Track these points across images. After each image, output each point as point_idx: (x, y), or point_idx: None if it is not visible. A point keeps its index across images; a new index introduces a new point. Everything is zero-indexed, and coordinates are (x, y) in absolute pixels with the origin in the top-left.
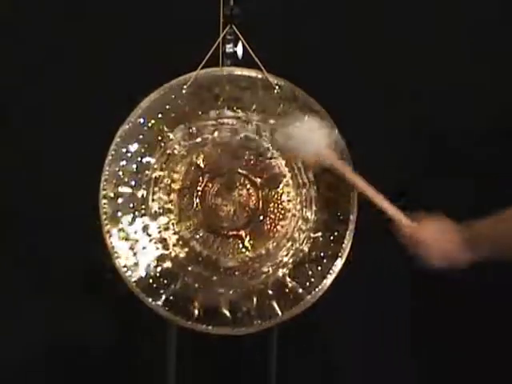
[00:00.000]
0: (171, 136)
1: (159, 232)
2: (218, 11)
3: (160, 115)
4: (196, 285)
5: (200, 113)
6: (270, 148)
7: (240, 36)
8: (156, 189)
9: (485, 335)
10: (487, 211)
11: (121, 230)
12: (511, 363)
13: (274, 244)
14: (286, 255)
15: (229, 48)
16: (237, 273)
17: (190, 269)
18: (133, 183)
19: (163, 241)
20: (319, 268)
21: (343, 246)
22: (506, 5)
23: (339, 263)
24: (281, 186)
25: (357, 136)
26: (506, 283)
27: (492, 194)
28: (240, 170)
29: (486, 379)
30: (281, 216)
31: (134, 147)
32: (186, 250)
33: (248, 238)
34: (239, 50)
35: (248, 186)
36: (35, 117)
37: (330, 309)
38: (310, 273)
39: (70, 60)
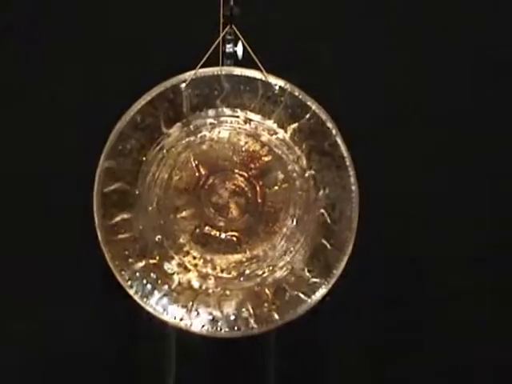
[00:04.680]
0: (169, 134)
1: (154, 230)
2: (217, 11)
3: (158, 113)
4: (191, 285)
5: (198, 111)
6: (269, 148)
7: (240, 36)
8: (152, 187)
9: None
10: None
11: (115, 227)
12: None
13: (271, 245)
14: (284, 257)
15: (229, 48)
16: (233, 274)
17: (185, 269)
18: (129, 180)
19: (158, 239)
20: (318, 270)
21: (343, 248)
22: None
23: (339, 266)
24: (279, 186)
25: (358, 136)
26: None
27: None
28: (237, 170)
29: None
30: (278, 217)
31: (131, 144)
32: (182, 250)
33: (245, 238)
34: (239, 50)
35: (246, 186)
36: (34, 116)
37: (329, 312)
38: (309, 275)
39: (69, 59)
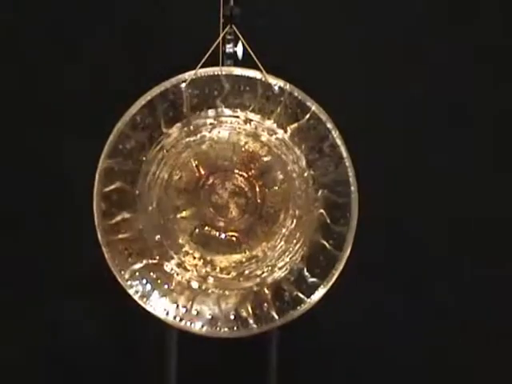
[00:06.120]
0: (169, 134)
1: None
2: (217, 11)
3: (158, 113)
4: (191, 285)
5: (198, 111)
6: (269, 148)
7: (240, 36)
8: (152, 186)
9: None
10: None
11: (115, 227)
12: None
13: (271, 245)
14: (283, 257)
15: (229, 48)
16: (233, 274)
17: (184, 269)
18: (129, 180)
19: (158, 239)
20: (318, 271)
21: (343, 248)
22: None
23: (338, 266)
24: (279, 186)
25: (357, 137)
26: None
27: None
28: (237, 170)
29: None
30: (278, 217)
31: (131, 144)
32: (182, 250)
33: (244, 239)
34: (239, 50)
35: (245, 186)
36: (35, 116)
37: (329, 312)
38: (308, 276)
39: (69, 59)
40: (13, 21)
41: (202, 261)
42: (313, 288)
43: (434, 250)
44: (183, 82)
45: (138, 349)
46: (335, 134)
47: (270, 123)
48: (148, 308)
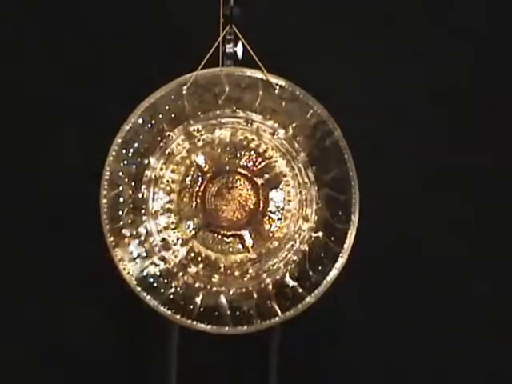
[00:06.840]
0: (171, 136)
1: (159, 232)
2: (217, 11)
3: (160, 116)
4: (196, 284)
5: (200, 113)
6: (270, 148)
7: (240, 36)
8: (156, 189)
9: None
10: None
11: (121, 229)
12: None
13: (274, 244)
14: (287, 255)
15: (229, 48)
16: (236, 273)
17: (189, 268)
18: (133, 183)
19: (163, 240)
20: (320, 268)
21: (344, 245)
22: None
23: (340, 263)
24: (281, 185)
25: (358, 136)
26: None
27: None
28: (240, 170)
29: None
30: (281, 216)
31: (134, 147)
32: (186, 249)
33: (248, 238)
34: (239, 50)
35: (248, 186)
36: (35, 117)
37: (330, 309)
38: (311, 273)
39: (70, 60)
40: (13, 21)
41: (206, 260)
42: (315, 285)
43: (433, 250)
44: (184, 84)
45: (142, 346)
46: (336, 132)
47: (271, 123)
48: (154, 307)
